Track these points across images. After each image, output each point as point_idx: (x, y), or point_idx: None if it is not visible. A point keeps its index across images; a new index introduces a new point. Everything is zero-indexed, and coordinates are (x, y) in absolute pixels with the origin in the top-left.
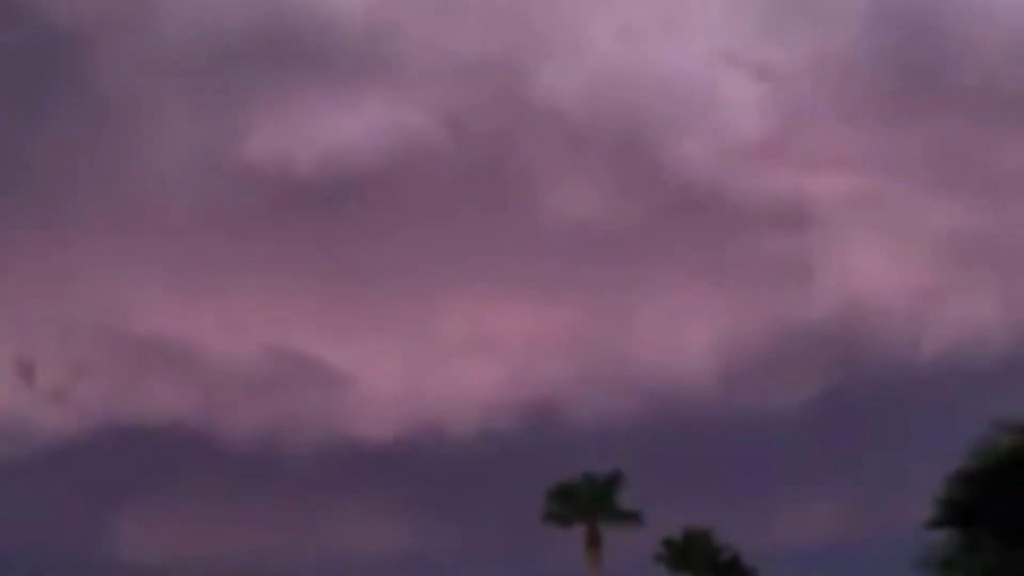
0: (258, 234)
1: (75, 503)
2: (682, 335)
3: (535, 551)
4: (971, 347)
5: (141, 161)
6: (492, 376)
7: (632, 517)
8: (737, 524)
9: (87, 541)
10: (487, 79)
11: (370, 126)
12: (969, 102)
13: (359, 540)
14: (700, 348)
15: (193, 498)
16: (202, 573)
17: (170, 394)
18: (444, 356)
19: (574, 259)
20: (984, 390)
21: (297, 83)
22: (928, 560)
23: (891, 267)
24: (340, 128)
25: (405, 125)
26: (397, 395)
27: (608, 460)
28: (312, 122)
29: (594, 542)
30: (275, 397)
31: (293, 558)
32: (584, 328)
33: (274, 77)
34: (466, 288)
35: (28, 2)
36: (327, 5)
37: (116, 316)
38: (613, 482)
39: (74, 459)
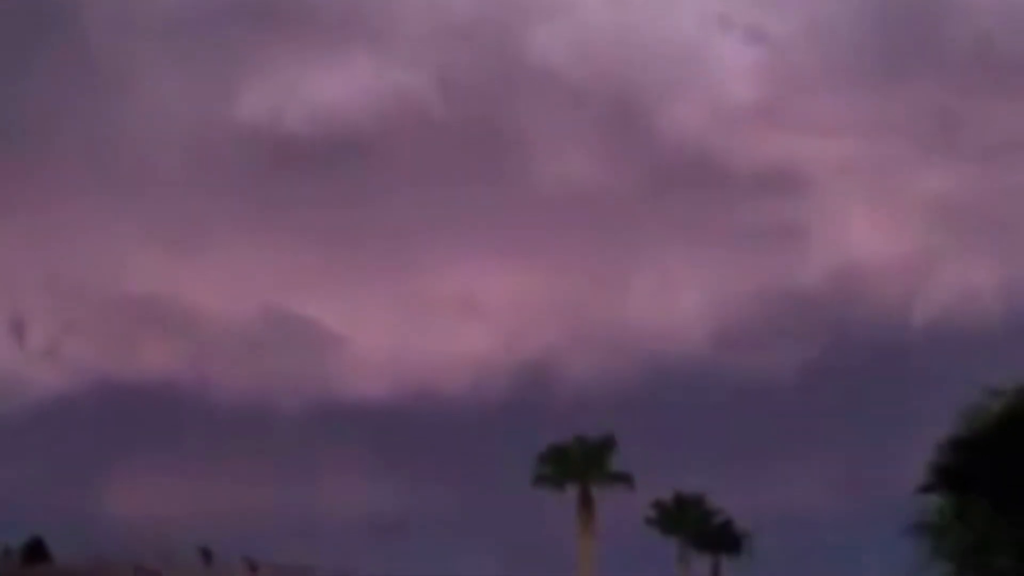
0: (250, 194)
1: (67, 460)
2: (675, 299)
3: (526, 513)
4: (963, 312)
5: (133, 120)
6: (484, 338)
7: (624, 480)
8: (729, 488)
9: (79, 498)
10: (479, 39)
11: (361, 86)
12: (962, 68)
13: (350, 499)
14: (692, 312)
15: (185, 456)
16: (193, 530)
17: (162, 353)
18: (436, 318)
19: (567, 221)
20: (976, 355)
21: (287, 43)
22: (919, 526)
23: (884, 232)
24: (331, 88)
25: (396, 86)
26: (389, 356)
27: (600, 423)
28: (303, 82)
29: (586, 504)
30: (267, 356)
31: (284, 516)
32: (576, 291)
33: (264, 37)
34: (458, 250)
35: None
36: None
37: (107, 274)
38: (605, 445)
39: (66, 417)
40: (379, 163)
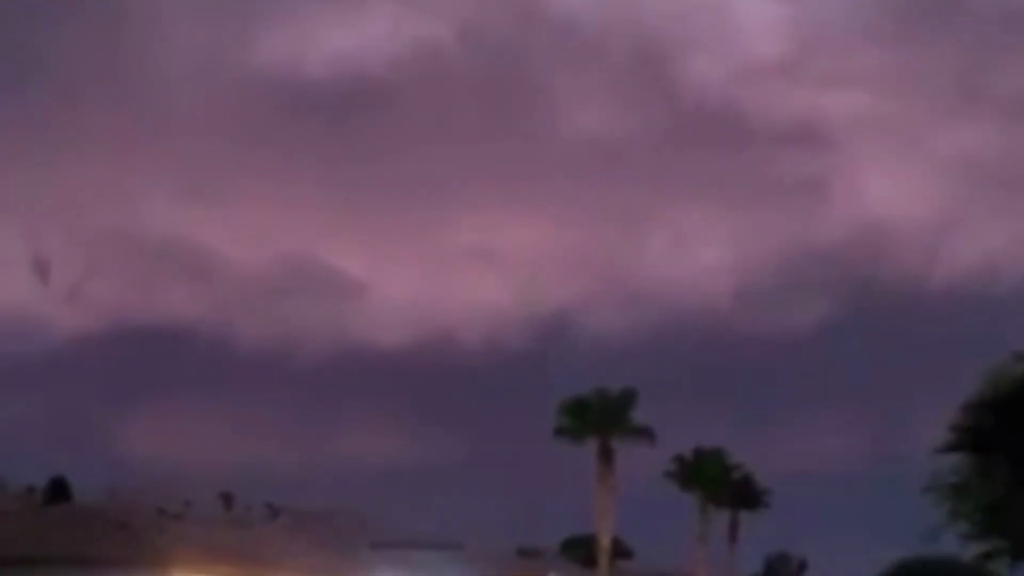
0: (272, 142)
1: (89, 402)
2: (695, 253)
3: (544, 464)
4: (986, 272)
5: (156, 66)
6: (504, 289)
7: (644, 433)
8: (749, 444)
9: (101, 440)
10: None
11: (379, 34)
12: (987, 24)
13: (370, 446)
14: (713, 266)
15: (206, 401)
16: (214, 474)
17: (184, 298)
18: (456, 268)
19: (587, 174)
20: (998, 316)
21: None
22: (939, 486)
23: (906, 190)
24: (351, 38)
25: (415, 34)
26: (408, 304)
27: (619, 376)
28: (324, 31)
29: (606, 458)
30: (288, 304)
31: (304, 462)
32: (596, 243)
33: None
34: (478, 200)
35: None
36: None
37: (130, 219)
38: (626, 398)
39: (88, 359)
40: (398, 113)
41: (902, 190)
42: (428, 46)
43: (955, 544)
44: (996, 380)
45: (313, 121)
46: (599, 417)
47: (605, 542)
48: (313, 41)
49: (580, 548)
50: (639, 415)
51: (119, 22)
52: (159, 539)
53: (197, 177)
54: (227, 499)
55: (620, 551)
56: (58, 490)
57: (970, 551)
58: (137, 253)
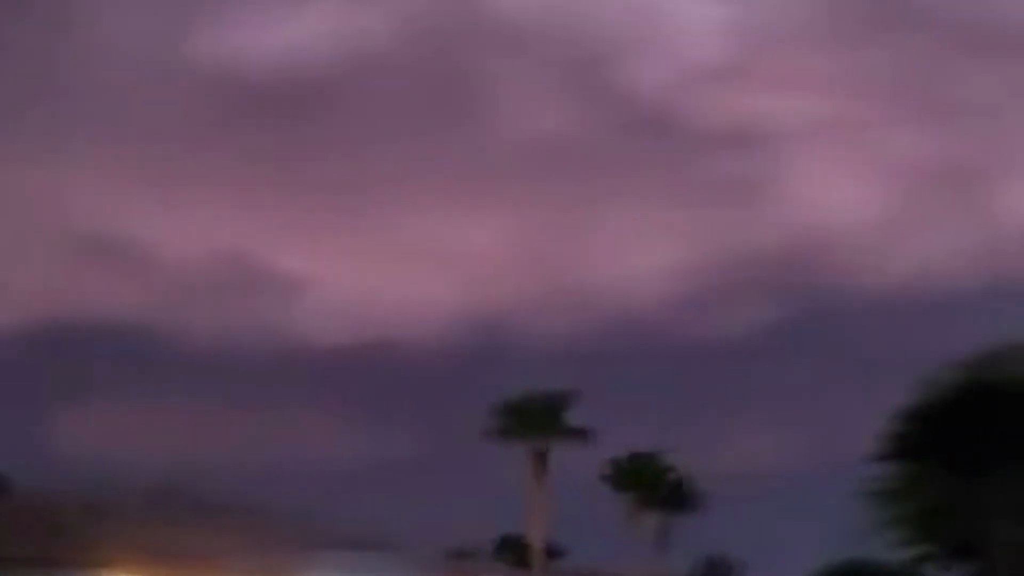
0: (211, 138)
1: (21, 398)
2: (638, 254)
3: (484, 464)
4: (923, 279)
5: (92, 59)
6: (447, 288)
7: (581, 435)
8: (686, 446)
9: (34, 436)
10: None
11: (321, 32)
12: (932, 27)
13: (305, 446)
14: (652, 269)
15: (144, 399)
16: (149, 474)
17: (121, 293)
18: (399, 267)
19: (529, 174)
20: (934, 322)
21: None
22: (874, 491)
23: (846, 195)
24: (292, 33)
25: (357, 32)
26: (351, 303)
27: (558, 376)
28: (264, 26)
29: (540, 459)
30: (228, 301)
31: (238, 461)
32: (539, 243)
33: None
34: (420, 199)
35: None
36: None
37: (65, 213)
38: (562, 399)
39: (20, 355)
40: (340, 111)
41: (842, 194)
42: (370, 44)
43: (888, 548)
44: (930, 388)
45: (253, 118)
46: (534, 418)
47: (538, 543)
48: (253, 38)
49: (514, 549)
50: (575, 416)
51: (57, 18)
52: (90, 537)
53: (135, 173)
54: (159, 496)
55: (553, 552)
56: None
57: (903, 555)
58: (74, 249)
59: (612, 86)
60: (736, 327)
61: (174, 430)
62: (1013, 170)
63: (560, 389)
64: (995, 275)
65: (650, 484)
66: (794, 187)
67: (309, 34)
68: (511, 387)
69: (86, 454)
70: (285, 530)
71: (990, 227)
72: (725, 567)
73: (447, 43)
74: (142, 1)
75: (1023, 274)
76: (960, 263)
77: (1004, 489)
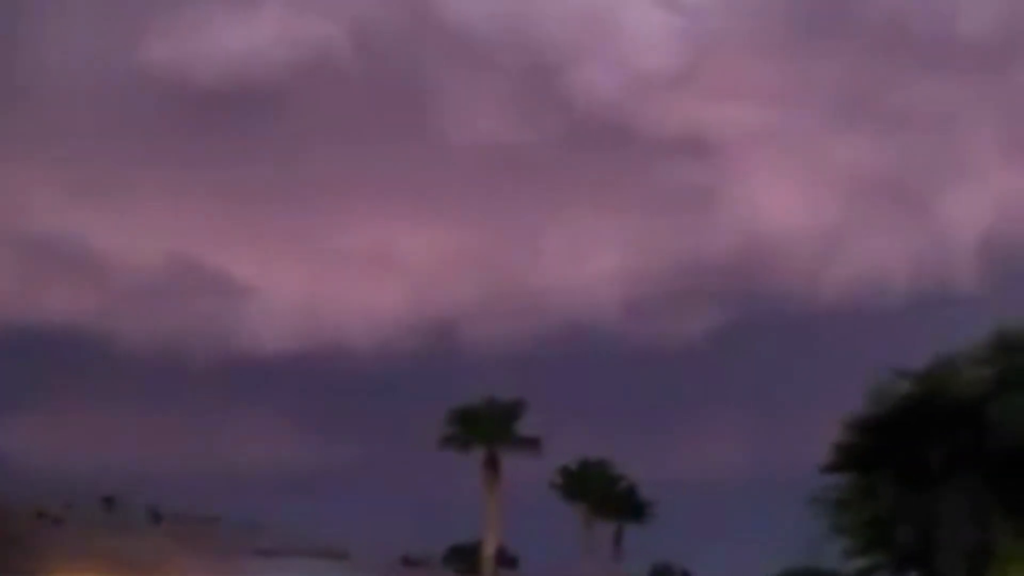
0: (160, 143)
1: None
2: (586, 261)
3: (435, 472)
4: (873, 286)
5: (41, 65)
6: (394, 294)
7: (531, 443)
8: (636, 453)
9: None
10: None
11: (271, 36)
12: (880, 39)
13: (256, 452)
14: (604, 274)
15: (89, 403)
16: (97, 478)
17: (67, 298)
18: (347, 272)
19: (480, 180)
20: (884, 329)
21: None
22: (822, 501)
23: (795, 202)
24: (242, 38)
25: (307, 37)
26: (298, 309)
27: (509, 383)
28: (213, 30)
29: (492, 467)
30: (175, 306)
31: (189, 468)
32: (489, 250)
33: None
34: (371, 204)
35: None
36: None
37: (12, 217)
38: (514, 408)
39: None
40: (290, 116)
41: (791, 202)
42: (321, 49)
43: (838, 558)
44: (879, 398)
45: (203, 122)
46: (487, 426)
47: (490, 551)
48: (204, 41)
49: (465, 556)
50: (526, 425)
51: (6, 19)
52: (37, 543)
53: (84, 177)
54: (109, 503)
55: (505, 560)
56: None
57: (853, 565)
58: (20, 252)
59: (563, 94)
60: (685, 334)
61: (123, 437)
62: (956, 179)
63: (511, 398)
64: (939, 283)
65: (601, 492)
66: (742, 194)
67: (259, 38)
68: (460, 394)
69: (36, 462)
70: (235, 538)
71: (934, 235)
72: (671, 574)
73: (397, 50)
74: (94, 10)
75: (966, 282)
76: (905, 270)
77: (954, 498)
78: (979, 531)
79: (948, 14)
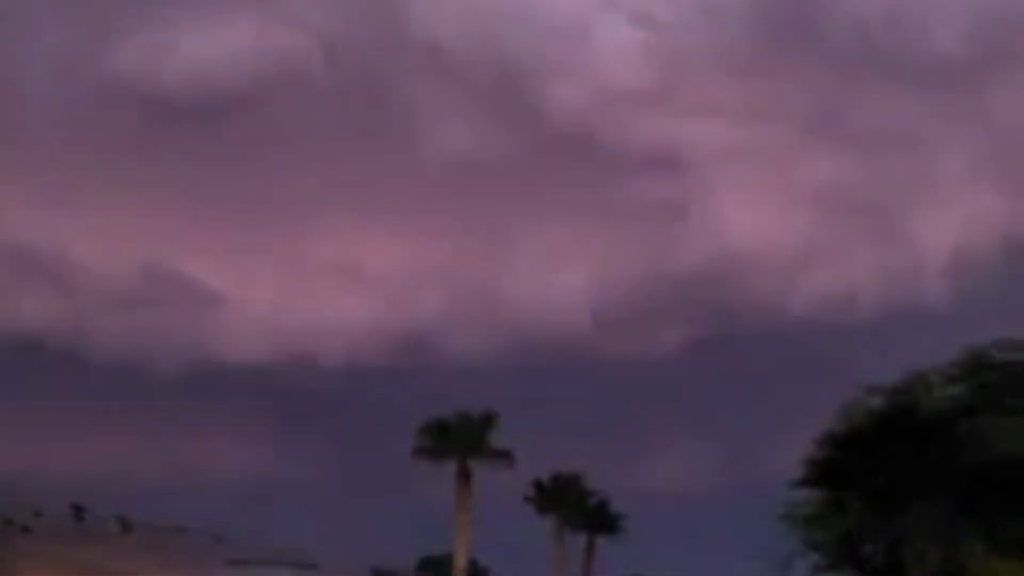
0: (132, 151)
1: None
2: (557, 274)
3: (405, 483)
4: (841, 301)
5: (12, 71)
6: (364, 305)
7: (504, 456)
8: (608, 467)
9: None
10: (363, 4)
11: (243, 45)
12: (852, 58)
13: (227, 462)
14: (574, 289)
15: (58, 411)
16: (66, 486)
17: (37, 305)
18: (317, 282)
19: (450, 193)
20: (853, 345)
21: None
22: (791, 516)
23: (765, 219)
24: (213, 47)
25: (280, 47)
26: (267, 319)
27: (480, 395)
28: (184, 39)
29: (464, 479)
30: (144, 314)
31: (157, 477)
32: (458, 263)
33: None
34: (341, 215)
35: None
36: None
37: None
38: (486, 420)
39: None
40: (262, 126)
41: (761, 218)
42: (293, 59)
43: (808, 573)
44: (850, 414)
45: (175, 131)
46: (459, 439)
47: (461, 563)
48: (176, 50)
49: (436, 568)
50: (499, 437)
51: None
52: (5, 551)
53: (55, 185)
54: (78, 511)
55: (476, 572)
56: None
57: None
58: None
59: (534, 108)
60: (656, 347)
61: (91, 444)
62: (926, 198)
63: (483, 410)
64: (909, 299)
65: (573, 507)
66: (714, 210)
67: (231, 48)
68: (431, 405)
69: (5, 470)
70: (205, 547)
71: (903, 252)
72: None
73: (369, 62)
74: (62, 17)
75: (936, 298)
76: (875, 287)
77: (924, 515)
78: (949, 549)
79: (919, 33)
